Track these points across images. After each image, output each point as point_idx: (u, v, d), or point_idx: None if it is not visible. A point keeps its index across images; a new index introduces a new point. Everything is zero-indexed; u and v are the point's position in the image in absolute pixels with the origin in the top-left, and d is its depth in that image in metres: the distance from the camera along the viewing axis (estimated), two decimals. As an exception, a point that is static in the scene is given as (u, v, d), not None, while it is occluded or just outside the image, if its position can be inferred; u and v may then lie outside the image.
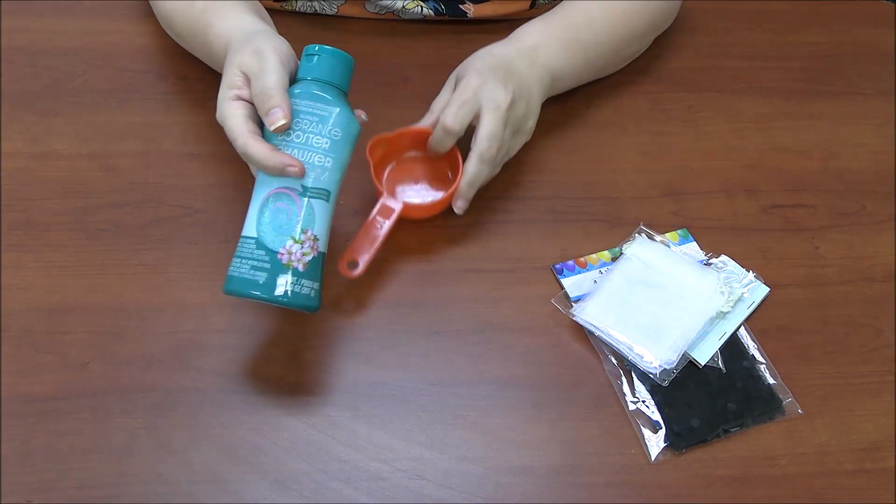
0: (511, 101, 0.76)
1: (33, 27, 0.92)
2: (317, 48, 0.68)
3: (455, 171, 0.78)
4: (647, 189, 0.85)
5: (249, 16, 0.77)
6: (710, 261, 0.79)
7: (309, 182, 0.66)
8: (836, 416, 0.72)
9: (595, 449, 0.69)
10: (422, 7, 0.92)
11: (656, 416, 0.70)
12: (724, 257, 0.80)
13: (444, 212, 0.78)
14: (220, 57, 0.74)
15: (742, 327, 0.76)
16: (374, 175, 0.76)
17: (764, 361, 0.74)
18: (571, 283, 0.77)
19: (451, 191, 0.76)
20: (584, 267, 0.78)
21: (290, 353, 0.72)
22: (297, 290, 0.65)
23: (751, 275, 0.78)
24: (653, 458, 0.68)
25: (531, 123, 0.81)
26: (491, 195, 0.82)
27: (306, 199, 0.66)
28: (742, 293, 0.77)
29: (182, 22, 0.83)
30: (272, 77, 0.66)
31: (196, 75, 0.89)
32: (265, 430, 0.68)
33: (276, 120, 0.65)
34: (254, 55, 0.68)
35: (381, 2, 0.92)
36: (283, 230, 0.65)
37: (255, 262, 0.65)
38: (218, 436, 0.67)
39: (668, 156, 0.88)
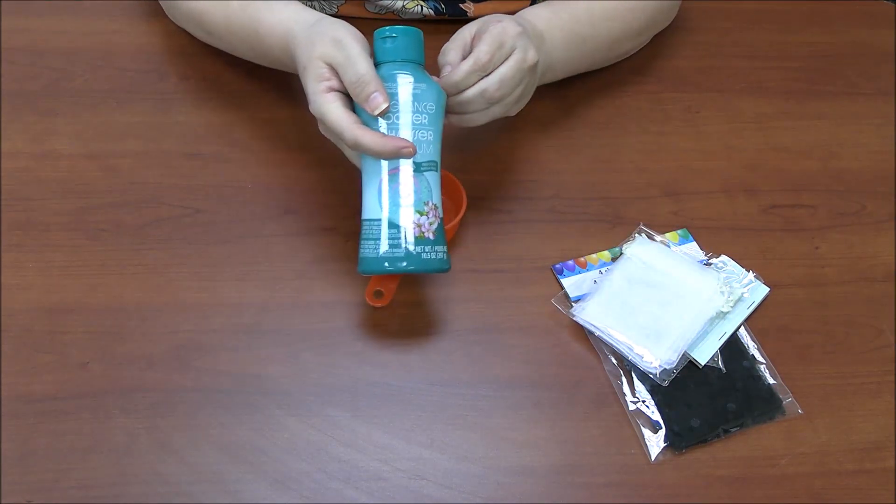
0: (536, 65, 0.75)
1: (33, 27, 0.92)
2: (389, 30, 0.70)
3: (456, 202, 0.79)
4: (647, 189, 0.85)
5: (297, 5, 0.77)
6: (710, 261, 0.79)
7: (419, 158, 0.69)
8: (836, 416, 0.72)
9: (595, 449, 0.69)
10: (422, 7, 0.92)
11: (656, 416, 0.70)
12: (724, 257, 0.80)
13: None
14: (276, 51, 0.75)
15: (742, 327, 0.76)
16: None
17: (764, 361, 0.74)
18: (571, 283, 0.77)
19: (457, 219, 0.77)
20: (584, 267, 0.78)
21: (290, 353, 0.72)
22: (433, 256, 0.69)
23: (751, 275, 0.78)
24: (653, 458, 0.68)
25: (527, 99, 0.79)
26: (491, 195, 0.83)
27: (421, 173, 0.69)
28: (742, 293, 0.77)
29: (217, 20, 0.83)
30: (363, 64, 0.67)
31: (197, 75, 0.89)
32: (265, 430, 0.68)
33: (378, 105, 0.67)
34: (335, 45, 0.68)
35: (381, 2, 0.92)
36: (408, 206, 0.68)
37: (390, 240, 0.68)
38: (218, 436, 0.67)
39: (668, 156, 0.88)
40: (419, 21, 0.94)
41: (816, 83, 0.96)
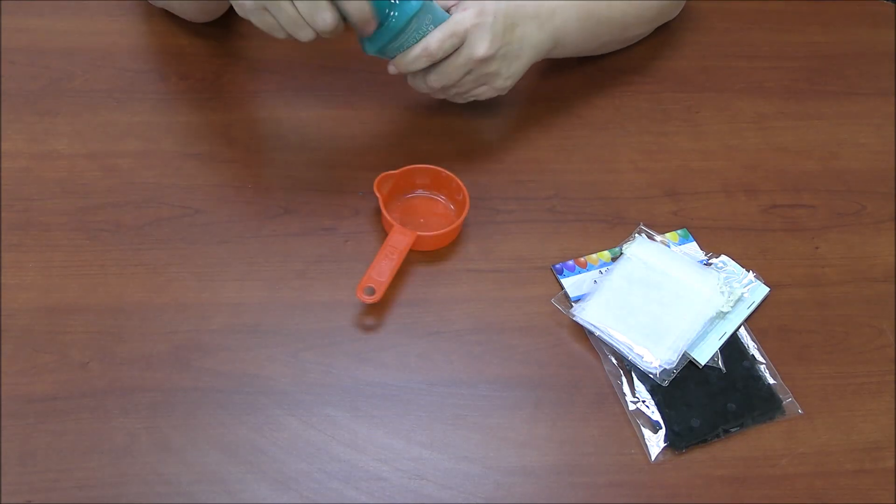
0: (487, 58, 0.77)
1: (33, 27, 0.92)
2: None
3: (458, 205, 0.79)
4: (647, 189, 0.85)
5: None
6: (710, 261, 0.79)
7: None
8: (836, 416, 0.72)
9: (595, 449, 0.69)
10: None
11: (656, 416, 0.70)
12: (724, 257, 0.80)
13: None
14: None
15: (742, 327, 0.76)
16: (383, 209, 0.77)
17: (764, 361, 0.74)
18: (571, 283, 0.77)
19: (458, 221, 0.77)
20: (584, 267, 0.78)
21: (290, 353, 0.72)
22: None
23: (751, 275, 0.78)
24: (653, 458, 0.68)
25: (504, 83, 0.81)
26: (491, 195, 0.83)
27: None
28: (742, 293, 0.77)
29: None
30: None
31: (197, 75, 0.89)
32: (265, 430, 0.68)
33: None
34: None
35: None
36: None
37: None
38: (218, 436, 0.67)
39: (668, 156, 0.88)
40: None
41: (816, 83, 0.96)
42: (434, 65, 0.76)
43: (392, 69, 0.76)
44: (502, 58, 0.78)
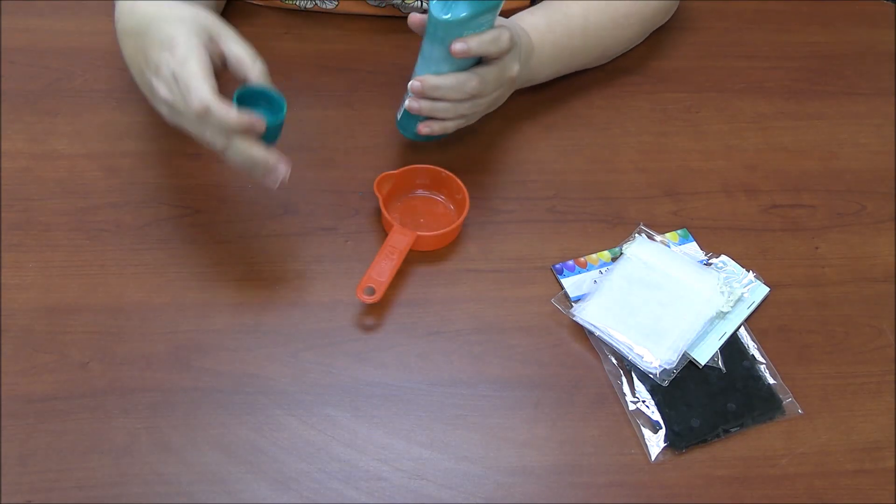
0: (514, 79, 0.78)
1: (33, 27, 0.92)
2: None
3: (458, 205, 0.79)
4: (647, 189, 0.85)
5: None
6: (709, 261, 0.79)
7: None
8: (836, 416, 0.72)
9: (595, 449, 0.69)
10: (421, 2, 0.92)
11: (656, 416, 0.70)
12: (724, 257, 0.80)
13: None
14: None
15: (742, 327, 0.76)
16: (383, 209, 0.77)
17: (764, 361, 0.74)
18: (571, 283, 0.77)
19: (458, 221, 0.77)
20: (584, 267, 0.78)
21: (290, 353, 0.72)
22: None
23: (751, 275, 0.78)
24: (653, 458, 0.68)
25: (490, 109, 0.82)
26: (491, 195, 0.83)
27: None
28: (742, 293, 0.77)
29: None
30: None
31: (196, 75, 0.89)
32: (265, 430, 0.68)
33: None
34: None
35: None
36: None
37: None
38: (218, 436, 0.67)
39: (668, 156, 0.88)
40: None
41: (816, 83, 0.96)
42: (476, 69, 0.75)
43: (461, 46, 0.72)
44: (510, 83, 0.80)
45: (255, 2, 0.94)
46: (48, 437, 0.66)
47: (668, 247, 0.80)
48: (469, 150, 0.86)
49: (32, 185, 0.80)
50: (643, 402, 0.71)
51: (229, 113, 0.65)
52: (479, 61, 0.75)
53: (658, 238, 0.80)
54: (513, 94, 0.85)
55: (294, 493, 0.65)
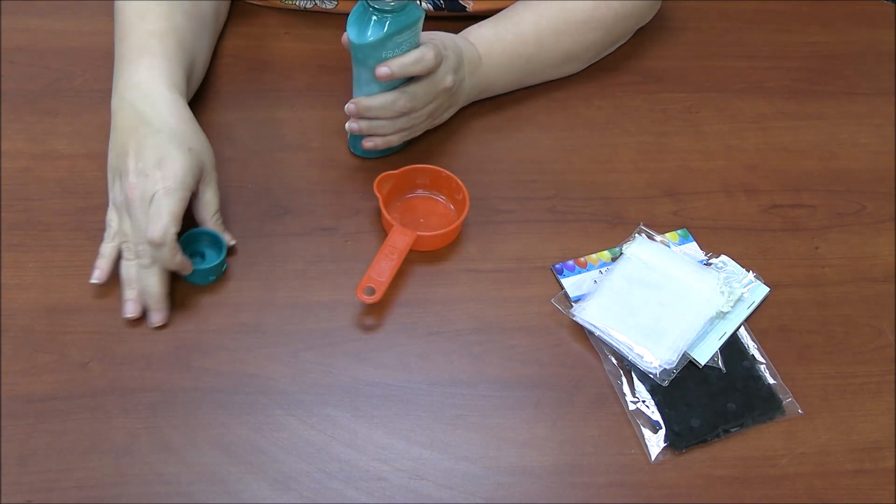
0: (449, 89, 0.78)
1: (33, 27, 0.92)
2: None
3: (458, 205, 0.80)
4: (647, 189, 0.85)
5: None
6: (709, 261, 0.79)
7: None
8: (836, 416, 0.72)
9: (595, 449, 0.69)
10: (421, 1, 0.92)
11: (656, 416, 0.70)
12: (723, 257, 0.80)
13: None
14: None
15: (742, 327, 0.76)
16: (383, 209, 0.77)
17: (764, 361, 0.74)
18: (571, 283, 0.77)
19: (458, 221, 0.77)
20: (584, 267, 0.78)
21: (290, 353, 0.72)
22: None
23: (751, 275, 0.78)
24: (653, 458, 0.68)
25: (437, 122, 0.83)
26: (491, 195, 0.83)
27: None
28: (742, 293, 0.77)
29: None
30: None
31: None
32: (264, 430, 0.68)
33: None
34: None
35: None
36: None
37: None
38: (218, 436, 0.67)
39: (668, 156, 0.88)
40: None
41: (816, 83, 0.96)
42: (407, 86, 0.77)
43: (384, 70, 0.74)
44: (456, 93, 0.81)
45: (255, 2, 0.94)
46: (48, 437, 0.66)
47: (668, 247, 0.80)
48: (469, 150, 0.86)
49: (32, 185, 0.80)
50: (643, 402, 0.71)
51: (175, 256, 0.69)
52: (412, 78, 0.76)
53: (658, 238, 0.80)
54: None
55: (294, 493, 0.65)
